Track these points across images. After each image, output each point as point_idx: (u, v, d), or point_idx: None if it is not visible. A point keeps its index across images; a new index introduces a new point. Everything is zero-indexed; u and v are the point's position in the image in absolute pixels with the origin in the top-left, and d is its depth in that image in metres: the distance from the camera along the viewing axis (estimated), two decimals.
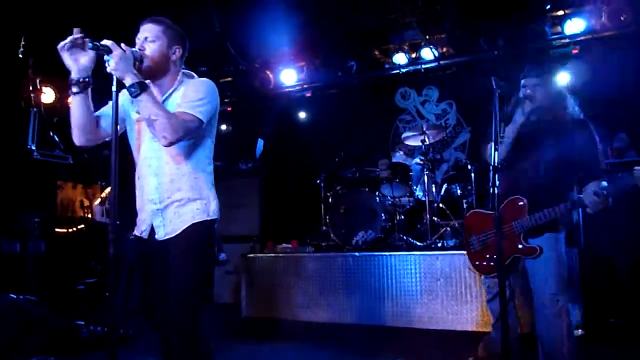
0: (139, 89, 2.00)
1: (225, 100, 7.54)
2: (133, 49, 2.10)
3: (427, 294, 4.46)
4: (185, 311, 2.13)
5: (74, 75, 2.04)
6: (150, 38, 2.19)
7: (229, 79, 7.16)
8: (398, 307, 4.58)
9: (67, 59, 2.02)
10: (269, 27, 5.84)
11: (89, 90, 2.11)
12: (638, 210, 4.23)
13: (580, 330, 3.91)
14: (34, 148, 4.70)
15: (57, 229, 6.12)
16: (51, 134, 5.13)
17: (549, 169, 2.75)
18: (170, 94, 2.25)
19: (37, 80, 5.24)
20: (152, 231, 2.23)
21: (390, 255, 4.72)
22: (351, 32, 6.16)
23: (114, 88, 1.99)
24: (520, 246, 2.73)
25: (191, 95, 2.17)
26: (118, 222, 1.98)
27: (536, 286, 2.72)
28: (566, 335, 2.67)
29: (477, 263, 3.01)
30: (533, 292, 2.74)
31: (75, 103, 2.10)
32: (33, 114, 4.86)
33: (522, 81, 2.86)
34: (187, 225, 2.19)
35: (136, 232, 2.30)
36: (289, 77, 6.75)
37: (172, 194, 2.20)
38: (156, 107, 2.05)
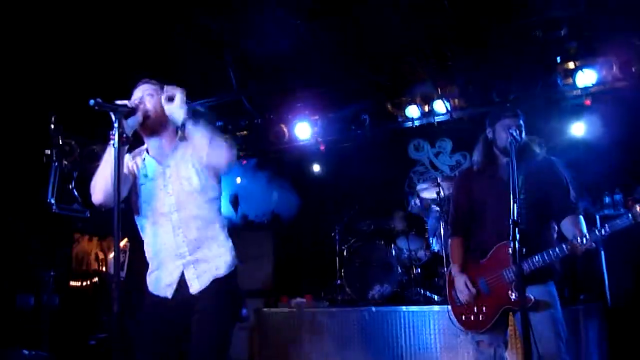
0: (195, 117, 2.13)
1: (241, 153, 7.66)
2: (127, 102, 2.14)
3: (447, 351, 4.29)
4: None
5: (117, 129, 1.99)
6: (149, 92, 2.26)
7: (245, 132, 7.29)
8: None
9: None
10: (284, 81, 6.01)
11: (126, 148, 2.11)
12: None
13: None
14: (53, 202, 4.77)
15: (71, 282, 6.10)
16: (70, 187, 5.21)
17: (528, 212, 2.65)
18: (172, 151, 2.31)
19: (59, 136, 5.38)
20: (179, 287, 2.21)
21: (408, 310, 4.59)
22: (364, 86, 6.29)
23: (115, 144, 1.98)
24: (513, 297, 2.58)
25: (204, 139, 2.20)
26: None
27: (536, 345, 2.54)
28: None
29: (463, 318, 2.82)
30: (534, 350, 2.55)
31: (111, 157, 2.02)
32: (54, 168, 4.97)
33: (508, 120, 2.73)
34: (219, 277, 2.21)
35: (155, 292, 2.27)
36: (303, 130, 6.85)
37: (201, 242, 2.23)
38: (213, 131, 2.20)
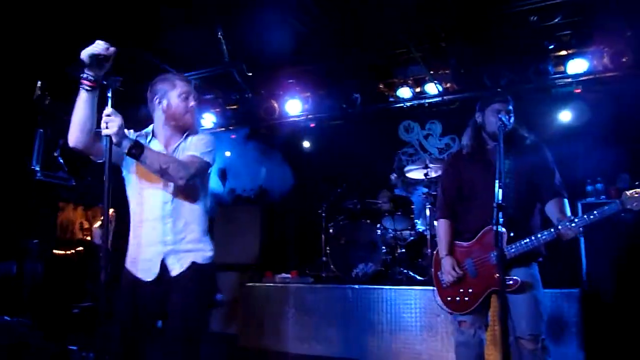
0: (139, 149, 2.17)
1: (230, 127, 7.60)
2: None
3: (427, 330, 4.39)
4: (193, 347, 2.29)
5: (89, 72, 2.12)
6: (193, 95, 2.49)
7: (235, 106, 7.24)
8: (397, 343, 4.50)
9: (90, 59, 2.10)
10: (276, 57, 5.94)
11: (97, 92, 2.18)
12: None
13: None
14: (37, 169, 4.70)
15: (55, 251, 6.08)
16: (56, 155, 5.14)
17: (516, 196, 2.69)
18: (182, 141, 2.49)
19: (45, 102, 5.28)
20: (159, 271, 2.34)
21: (390, 289, 4.67)
22: (356, 65, 6.25)
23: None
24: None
25: (200, 144, 2.44)
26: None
27: (516, 326, 2.62)
28: None
29: (449, 299, 2.86)
30: (512, 331, 2.62)
31: (82, 100, 2.16)
32: (39, 134, 4.89)
33: (497, 105, 2.76)
34: (198, 263, 2.38)
35: (138, 275, 2.37)
36: (294, 107, 6.81)
37: (187, 234, 2.39)
38: (162, 157, 2.29)
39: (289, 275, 5.54)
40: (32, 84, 5.02)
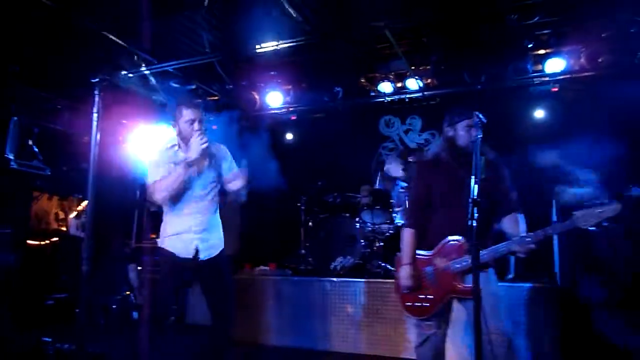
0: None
1: (211, 118, 7.52)
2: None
3: (404, 322, 4.44)
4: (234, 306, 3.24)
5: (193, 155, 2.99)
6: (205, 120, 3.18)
7: (215, 97, 7.17)
8: (374, 334, 4.55)
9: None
10: (257, 48, 5.89)
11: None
12: (620, 249, 4.28)
13: None
14: (11, 157, 4.60)
15: (29, 241, 5.97)
16: (30, 143, 5.03)
17: (479, 210, 2.74)
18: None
19: (19, 89, 5.16)
20: (196, 253, 3.06)
21: (368, 281, 4.71)
22: (338, 58, 6.24)
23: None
24: (459, 286, 2.75)
25: (233, 161, 3.47)
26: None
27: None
28: None
29: (409, 305, 2.94)
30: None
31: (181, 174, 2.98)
32: (13, 122, 4.78)
33: (468, 121, 2.84)
34: (221, 249, 3.19)
35: (180, 254, 3.07)
36: (275, 99, 6.79)
37: (210, 226, 3.16)
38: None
39: (267, 268, 5.55)
40: (6, 70, 4.90)
